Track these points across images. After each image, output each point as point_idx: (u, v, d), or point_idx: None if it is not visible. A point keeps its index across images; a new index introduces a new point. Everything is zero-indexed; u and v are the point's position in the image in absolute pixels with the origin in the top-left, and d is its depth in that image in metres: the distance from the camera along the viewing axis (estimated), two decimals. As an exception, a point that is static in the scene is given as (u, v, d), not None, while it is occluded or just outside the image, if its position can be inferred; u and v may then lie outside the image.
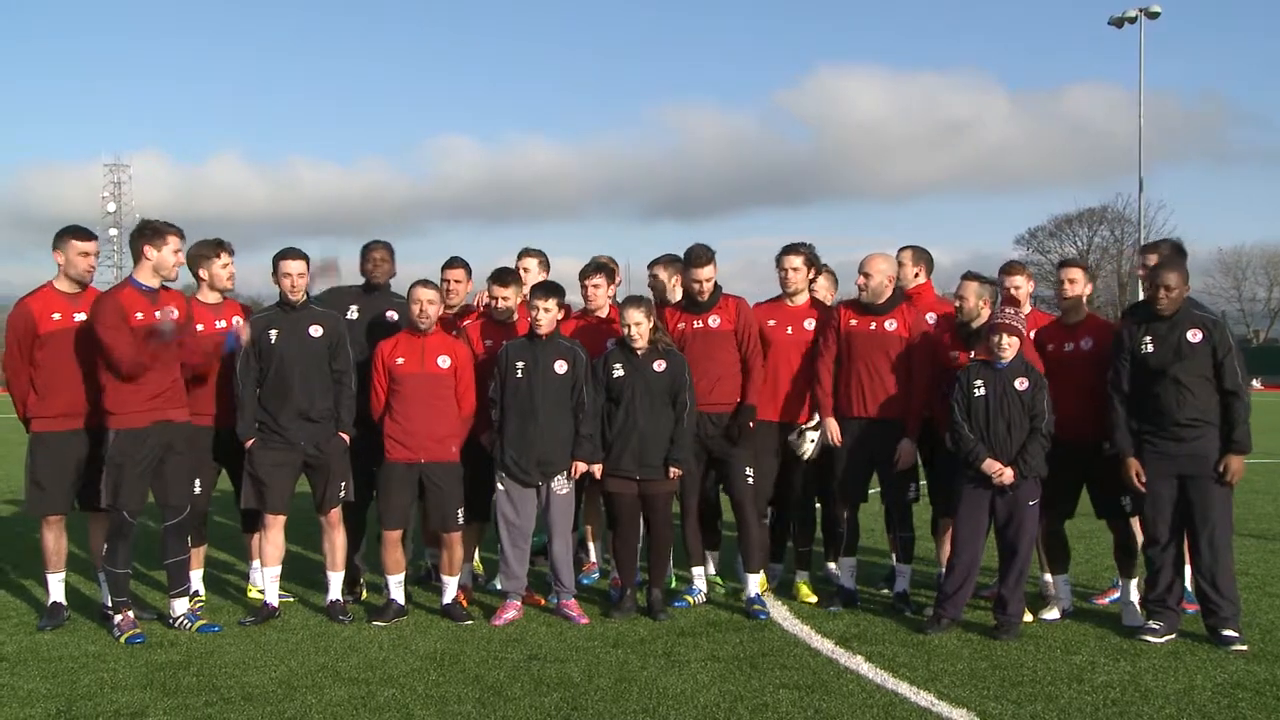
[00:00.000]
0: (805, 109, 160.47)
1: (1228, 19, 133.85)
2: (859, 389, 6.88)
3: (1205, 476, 6.08)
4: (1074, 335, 6.73)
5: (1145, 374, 6.20)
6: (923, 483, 7.13)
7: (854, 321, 6.94)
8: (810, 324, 7.08)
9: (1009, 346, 6.30)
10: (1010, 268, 7.09)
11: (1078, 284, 6.80)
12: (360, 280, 7.46)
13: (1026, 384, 6.31)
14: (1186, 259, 6.65)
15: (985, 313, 6.65)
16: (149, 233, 6.29)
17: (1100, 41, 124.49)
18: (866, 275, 6.88)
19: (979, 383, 6.37)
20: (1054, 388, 6.46)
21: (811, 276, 7.21)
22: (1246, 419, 6.11)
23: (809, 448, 6.98)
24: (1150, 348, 6.18)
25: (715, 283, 7.05)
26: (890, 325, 6.86)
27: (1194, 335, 6.10)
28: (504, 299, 7.12)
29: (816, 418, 7.00)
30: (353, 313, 7.24)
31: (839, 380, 6.96)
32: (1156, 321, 6.21)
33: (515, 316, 7.17)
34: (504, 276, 7.20)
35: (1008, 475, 6.23)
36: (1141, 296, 6.82)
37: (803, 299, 7.17)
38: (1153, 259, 6.65)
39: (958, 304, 6.80)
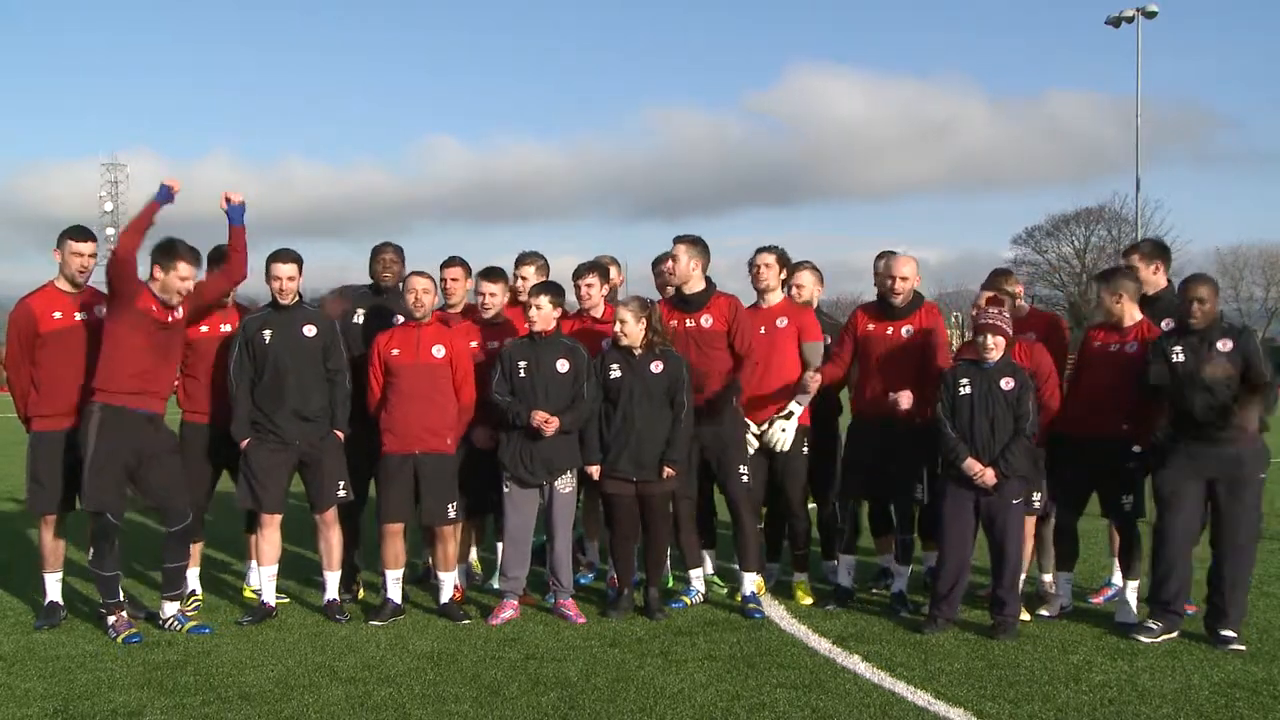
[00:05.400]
0: (792, 109, 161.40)
1: (1211, 22, 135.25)
2: (874, 393, 6.89)
3: (1236, 481, 6.07)
4: (1124, 336, 6.59)
5: (1177, 380, 6.17)
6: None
7: (871, 326, 6.97)
8: (783, 322, 7.08)
9: (995, 346, 6.31)
10: (994, 281, 6.97)
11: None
12: (360, 281, 7.48)
13: (1012, 384, 6.32)
14: (1169, 255, 6.95)
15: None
16: (159, 253, 6.40)
17: (1083, 46, 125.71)
18: (903, 279, 6.88)
19: (964, 381, 6.38)
20: (1082, 382, 6.54)
21: (784, 276, 7.23)
22: (1274, 388, 6.14)
23: (780, 436, 6.96)
24: (1180, 356, 6.16)
25: (708, 279, 7.07)
26: (906, 331, 6.89)
27: (1224, 344, 6.10)
28: (490, 294, 7.14)
29: (790, 405, 7.00)
30: (358, 316, 7.26)
31: (853, 382, 7.04)
32: (1188, 335, 6.19)
33: (503, 317, 7.20)
34: (491, 273, 7.22)
35: (988, 476, 6.24)
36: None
37: (776, 298, 7.18)
38: (1134, 258, 6.89)
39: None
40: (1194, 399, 6.10)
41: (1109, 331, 6.67)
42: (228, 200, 6.62)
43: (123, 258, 6.26)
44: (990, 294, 6.73)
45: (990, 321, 6.34)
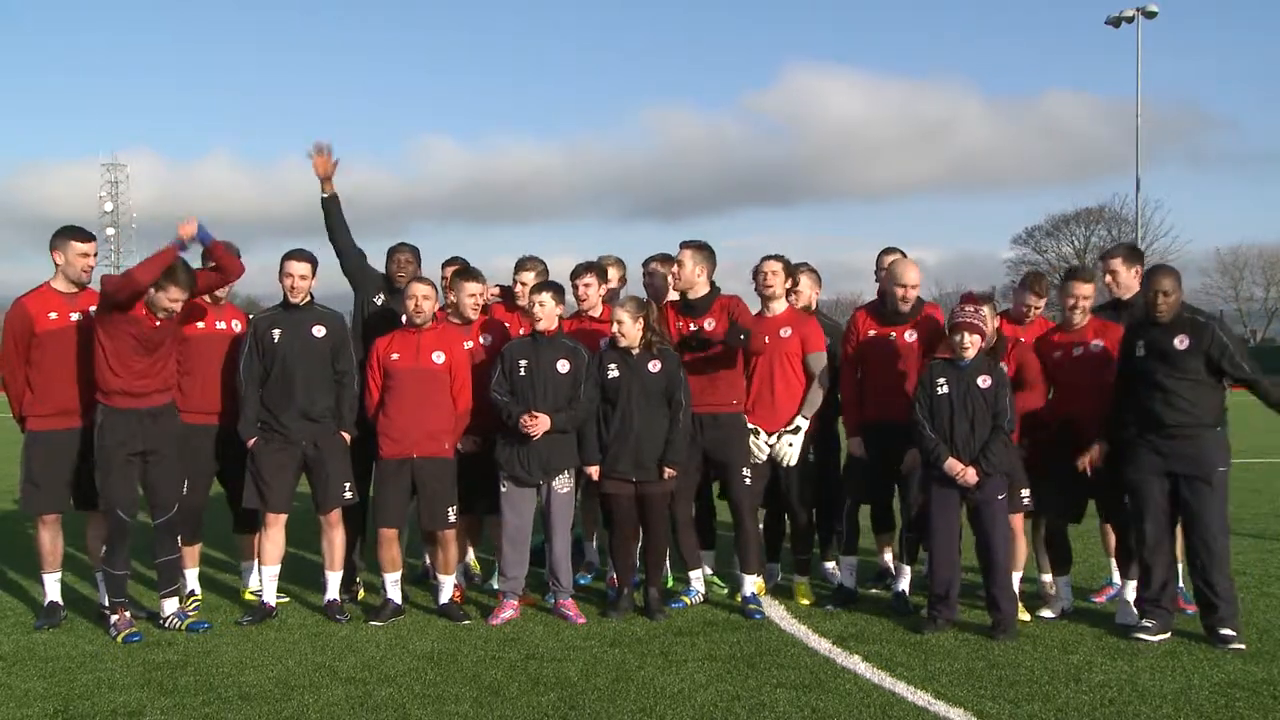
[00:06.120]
0: (791, 109, 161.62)
1: (1211, 22, 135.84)
2: (874, 395, 6.93)
3: (1197, 478, 6.10)
4: (1083, 337, 6.71)
5: (1136, 379, 6.25)
6: None
7: (873, 332, 6.99)
8: (787, 331, 7.08)
9: (971, 344, 6.31)
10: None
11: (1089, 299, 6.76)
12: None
13: (990, 382, 6.32)
14: (1142, 259, 6.99)
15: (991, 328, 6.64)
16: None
17: (1083, 46, 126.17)
18: (914, 286, 6.91)
19: (941, 381, 6.38)
20: (1059, 390, 6.51)
21: (789, 285, 7.23)
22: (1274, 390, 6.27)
23: (787, 451, 7.01)
24: (1141, 352, 6.24)
25: (712, 283, 7.07)
26: (910, 336, 6.92)
27: (1180, 342, 6.14)
28: (479, 294, 7.19)
29: (796, 420, 7.01)
30: (379, 298, 7.39)
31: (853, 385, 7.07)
32: (1152, 327, 6.25)
33: (475, 315, 7.22)
34: (471, 274, 7.25)
35: (970, 475, 6.24)
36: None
37: (780, 307, 7.18)
38: (1115, 263, 6.89)
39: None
40: (1151, 398, 6.15)
41: (1063, 334, 6.77)
42: (186, 234, 6.37)
43: (139, 290, 6.15)
44: (973, 293, 6.79)
45: (967, 320, 6.34)
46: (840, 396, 7.25)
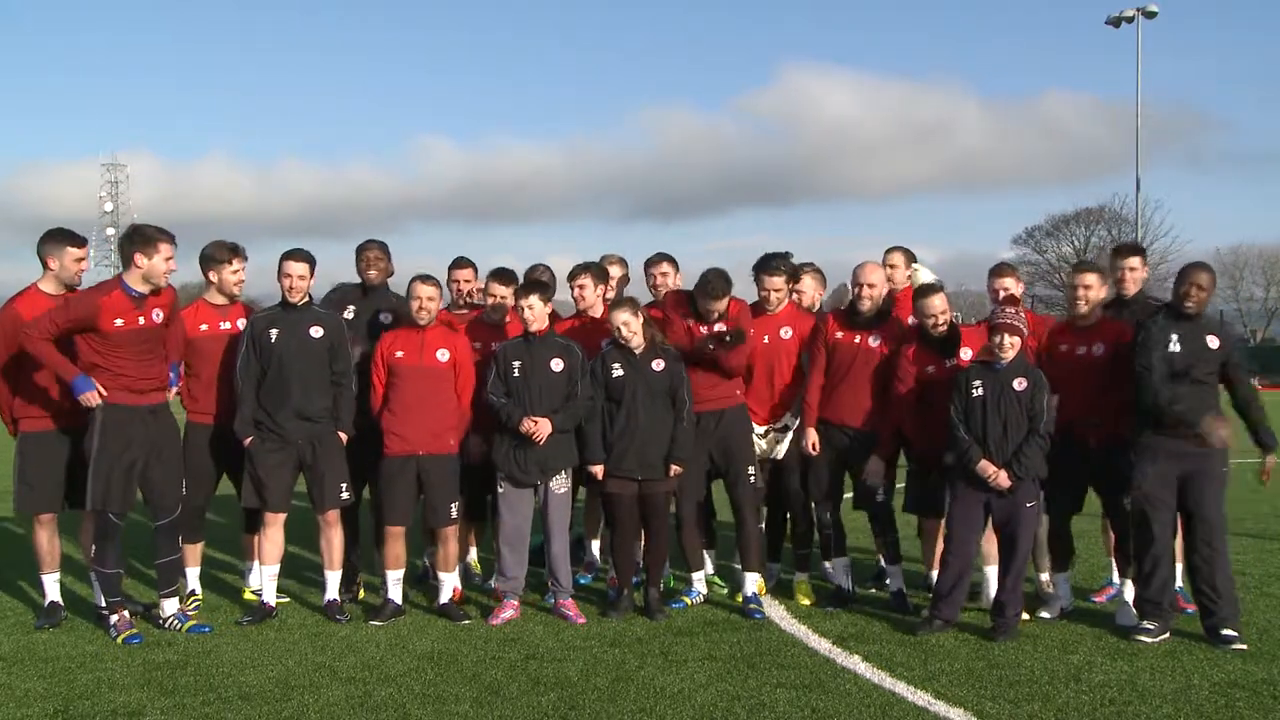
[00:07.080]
0: (789, 110, 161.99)
1: (1211, 22, 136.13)
2: (840, 399, 6.92)
3: (1207, 474, 6.12)
4: (1088, 338, 6.66)
5: (1169, 373, 6.17)
6: (899, 485, 7.07)
7: (840, 334, 6.96)
8: (787, 332, 7.06)
9: (1011, 346, 6.28)
10: (1000, 270, 7.09)
11: (1094, 288, 6.69)
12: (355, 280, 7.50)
13: (1025, 384, 6.29)
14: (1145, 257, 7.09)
15: (945, 319, 6.68)
16: (139, 240, 6.21)
17: (1082, 46, 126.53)
18: (871, 285, 6.89)
19: (977, 383, 6.35)
20: (1064, 387, 6.46)
21: (792, 285, 7.19)
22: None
23: (775, 449, 7.03)
24: (1177, 347, 6.17)
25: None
26: (874, 341, 6.89)
27: (1212, 341, 6.17)
28: (501, 297, 7.20)
29: (785, 419, 7.02)
30: (349, 313, 7.26)
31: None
32: (1183, 320, 6.21)
33: (508, 318, 7.25)
34: (503, 275, 7.30)
35: (1002, 479, 6.22)
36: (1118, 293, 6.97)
37: (781, 307, 7.14)
38: (1134, 261, 6.93)
39: (926, 318, 6.72)
40: (1185, 393, 6.11)
41: (1075, 334, 6.70)
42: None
43: (28, 348, 6.07)
44: (1009, 293, 6.81)
45: (1007, 321, 6.30)
46: (804, 395, 7.04)
